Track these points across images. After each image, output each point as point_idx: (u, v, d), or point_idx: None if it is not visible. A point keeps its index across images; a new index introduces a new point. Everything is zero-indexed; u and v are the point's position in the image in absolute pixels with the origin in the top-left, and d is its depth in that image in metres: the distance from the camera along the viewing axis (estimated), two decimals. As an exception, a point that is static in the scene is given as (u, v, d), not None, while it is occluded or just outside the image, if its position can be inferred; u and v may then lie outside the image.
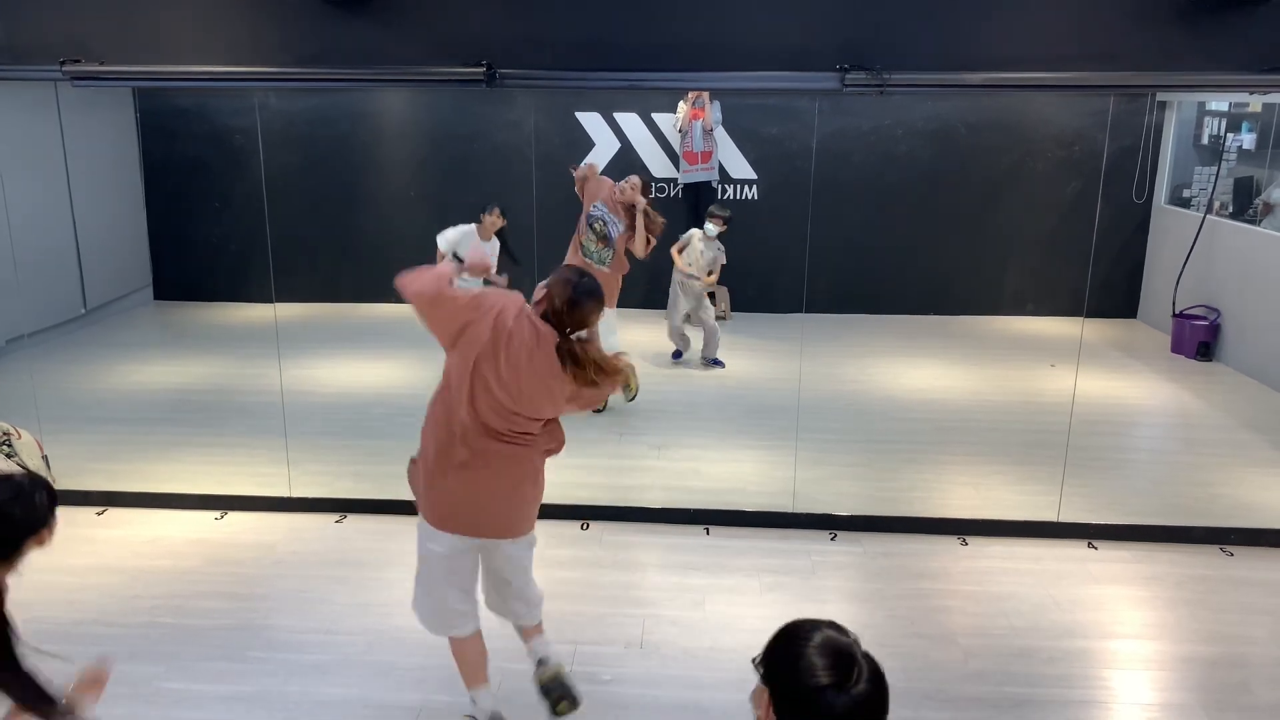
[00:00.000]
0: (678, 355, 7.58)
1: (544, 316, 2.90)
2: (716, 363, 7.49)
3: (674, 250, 7.27)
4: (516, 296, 2.96)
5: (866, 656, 1.59)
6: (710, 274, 7.35)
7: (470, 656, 3.18)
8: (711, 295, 7.46)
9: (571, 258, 6.32)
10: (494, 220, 6.51)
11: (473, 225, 6.53)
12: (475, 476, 2.93)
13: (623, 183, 6.31)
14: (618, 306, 6.50)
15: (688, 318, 7.41)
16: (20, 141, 7.33)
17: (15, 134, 7.27)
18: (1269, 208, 7.76)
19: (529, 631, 3.28)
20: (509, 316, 2.86)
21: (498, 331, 2.84)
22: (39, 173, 7.61)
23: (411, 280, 2.92)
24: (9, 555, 2.37)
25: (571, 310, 2.88)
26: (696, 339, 7.53)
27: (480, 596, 3.19)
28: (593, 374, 2.87)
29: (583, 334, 2.95)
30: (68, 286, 8.10)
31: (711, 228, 7.25)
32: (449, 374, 2.93)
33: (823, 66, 4.08)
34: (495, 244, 6.60)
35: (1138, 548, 4.60)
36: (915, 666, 3.68)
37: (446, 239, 6.43)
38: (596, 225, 6.25)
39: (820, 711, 1.52)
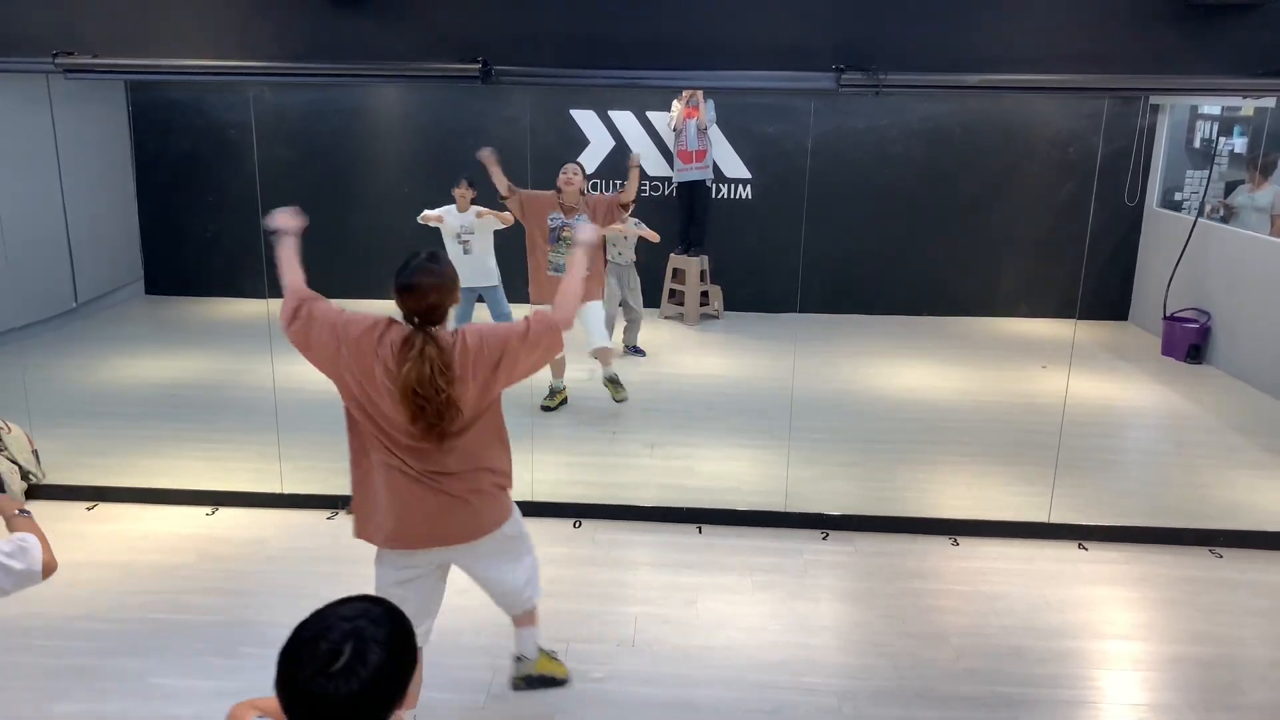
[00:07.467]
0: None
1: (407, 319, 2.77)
2: (637, 351, 7.50)
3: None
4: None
5: (377, 642, 1.49)
6: (652, 232, 7.12)
7: None
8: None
9: (538, 277, 6.03)
10: (464, 192, 6.58)
11: (450, 207, 6.64)
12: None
13: (565, 180, 5.95)
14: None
15: (623, 304, 7.40)
16: (11, 134, 7.28)
17: (7, 127, 7.23)
18: (1231, 209, 7.82)
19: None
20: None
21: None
22: (30, 166, 7.54)
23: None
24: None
25: (402, 295, 2.73)
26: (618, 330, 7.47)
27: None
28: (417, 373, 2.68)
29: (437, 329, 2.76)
30: (59, 280, 8.03)
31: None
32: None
33: (818, 66, 4.09)
34: (473, 214, 6.59)
35: (1128, 549, 4.63)
36: (906, 665, 3.69)
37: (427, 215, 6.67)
38: (565, 233, 5.94)
39: (292, 693, 1.46)
